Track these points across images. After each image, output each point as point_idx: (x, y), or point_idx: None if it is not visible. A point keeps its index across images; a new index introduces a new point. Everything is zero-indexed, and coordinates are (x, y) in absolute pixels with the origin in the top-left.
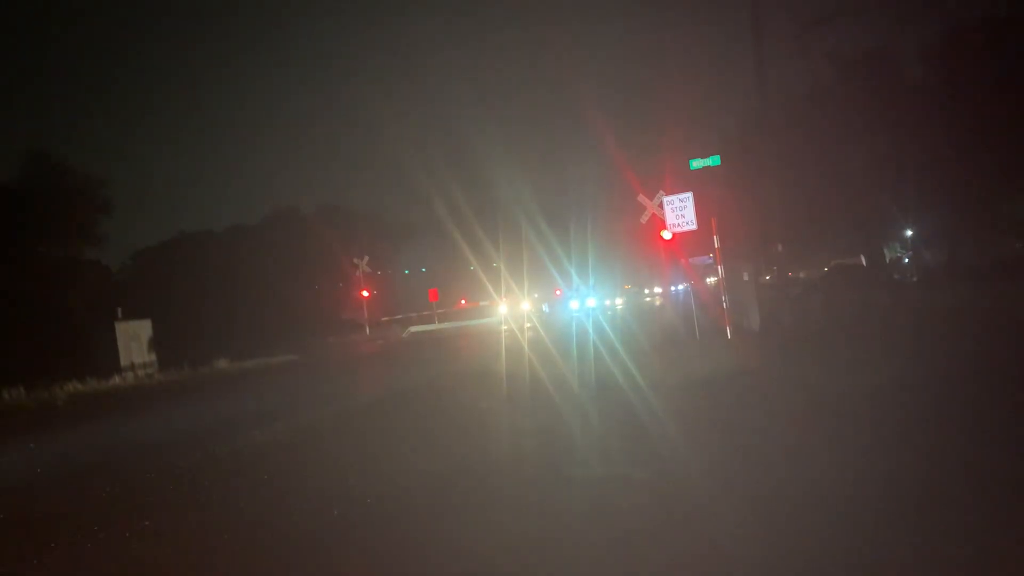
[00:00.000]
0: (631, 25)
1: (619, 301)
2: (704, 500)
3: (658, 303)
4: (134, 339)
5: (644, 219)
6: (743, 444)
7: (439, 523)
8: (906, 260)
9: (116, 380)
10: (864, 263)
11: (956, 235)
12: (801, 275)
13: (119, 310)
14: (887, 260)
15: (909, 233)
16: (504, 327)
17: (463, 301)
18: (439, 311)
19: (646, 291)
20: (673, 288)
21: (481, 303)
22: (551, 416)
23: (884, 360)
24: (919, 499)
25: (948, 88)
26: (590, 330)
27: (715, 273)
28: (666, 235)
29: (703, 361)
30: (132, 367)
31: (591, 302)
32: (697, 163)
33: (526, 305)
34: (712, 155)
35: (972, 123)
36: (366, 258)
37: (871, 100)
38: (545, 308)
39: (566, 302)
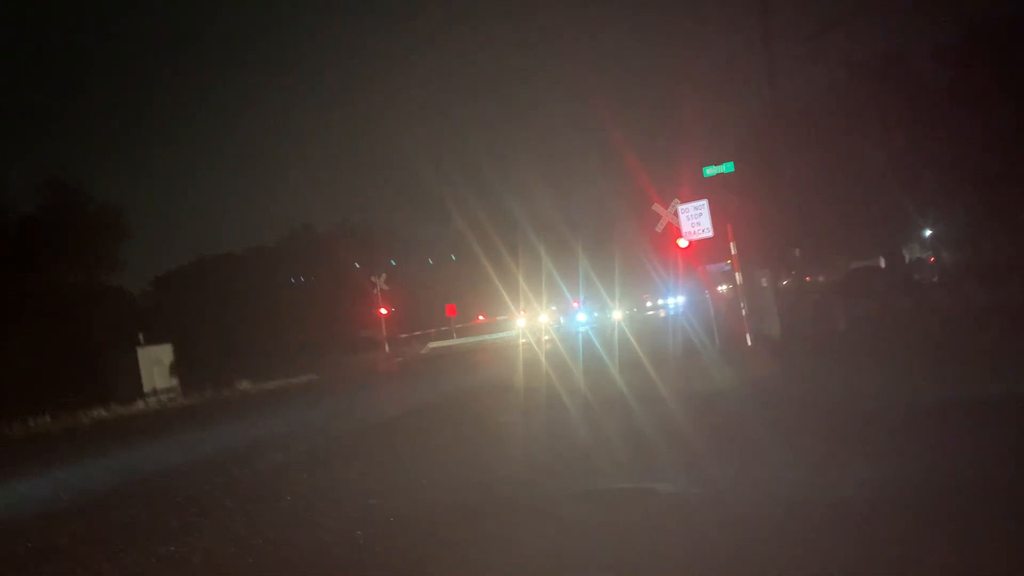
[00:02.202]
0: (642, 34)
1: (637, 310)
2: (727, 514)
3: (664, 313)
4: (156, 364)
5: (660, 228)
6: (765, 457)
7: (460, 540)
8: (926, 261)
9: (140, 405)
10: (883, 265)
11: (976, 235)
12: (820, 279)
13: (141, 335)
14: (907, 261)
15: (928, 234)
16: (522, 340)
17: (481, 316)
18: (457, 326)
19: (659, 301)
20: (683, 299)
21: (499, 318)
22: (570, 428)
23: (908, 368)
24: (946, 513)
25: (966, 87)
26: (609, 340)
27: (732, 280)
28: (682, 243)
29: (723, 371)
30: (155, 392)
31: (617, 315)
32: (711, 170)
33: (544, 318)
34: (726, 162)
35: (991, 122)
36: (383, 275)
37: (887, 101)
38: (563, 320)
39: (579, 314)
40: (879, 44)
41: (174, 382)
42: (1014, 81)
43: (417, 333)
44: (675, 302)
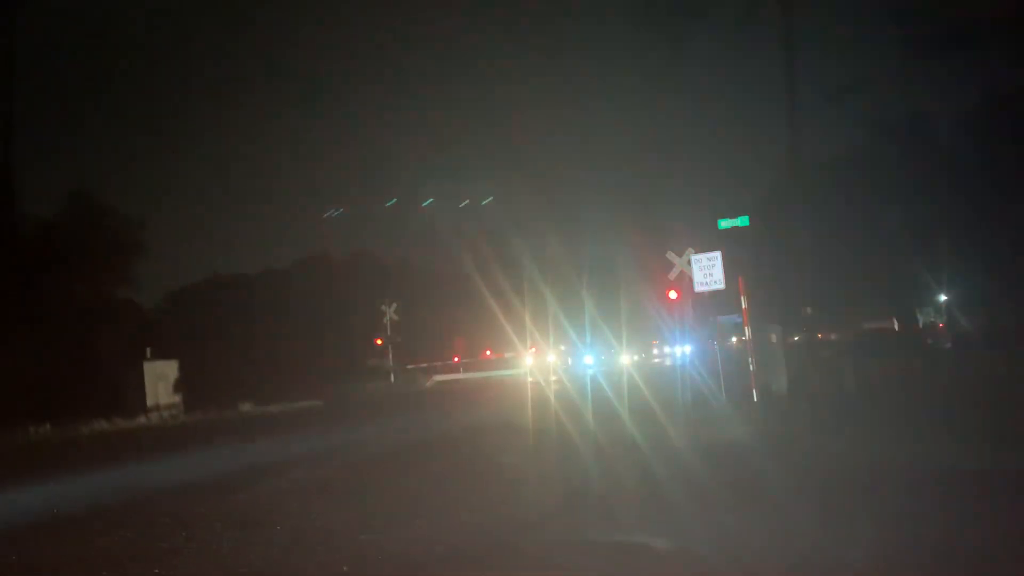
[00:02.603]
0: (663, 83)
1: (645, 356)
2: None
3: (669, 361)
4: (161, 379)
5: (672, 275)
6: (766, 516)
7: None
8: (940, 326)
9: (142, 420)
10: (896, 327)
11: (992, 301)
12: (832, 337)
13: (148, 350)
14: (920, 325)
15: (943, 298)
16: (530, 379)
17: (488, 352)
18: (464, 361)
19: (666, 349)
20: (691, 348)
21: (506, 354)
22: (575, 473)
23: (914, 434)
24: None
25: (986, 154)
26: (617, 384)
27: (741, 333)
28: (672, 295)
29: (728, 424)
30: (158, 407)
31: (625, 359)
32: (726, 223)
33: (552, 357)
34: (741, 215)
35: (1009, 190)
36: (394, 305)
37: (907, 164)
38: (570, 361)
39: (587, 356)
40: (901, 107)
41: (177, 399)
42: None
43: (424, 365)
44: (682, 351)
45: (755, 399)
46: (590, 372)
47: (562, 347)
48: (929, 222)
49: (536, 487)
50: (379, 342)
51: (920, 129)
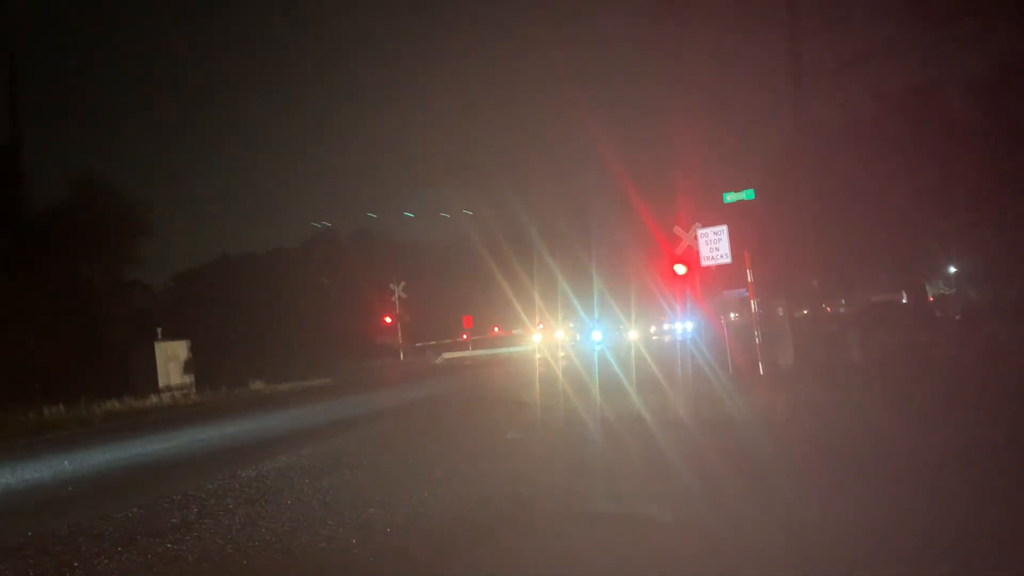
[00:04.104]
0: (669, 57)
1: (653, 331)
2: (716, 545)
3: (671, 337)
4: (172, 359)
5: (679, 251)
6: (767, 489)
7: (452, 556)
8: (949, 297)
9: (153, 400)
10: (905, 300)
11: (1002, 273)
12: (840, 310)
13: (159, 330)
14: (929, 297)
15: (953, 270)
16: (538, 355)
17: (496, 329)
18: (473, 338)
19: (672, 325)
20: (693, 324)
21: (515, 331)
22: (582, 447)
23: (920, 408)
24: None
25: (996, 123)
26: (625, 360)
27: (748, 307)
28: (679, 269)
29: (734, 398)
30: (169, 387)
31: (632, 335)
32: (731, 196)
33: (560, 334)
34: (747, 189)
35: (1018, 159)
36: (402, 283)
37: (914, 134)
38: (578, 338)
39: (595, 332)
40: (908, 76)
41: (189, 378)
42: None
43: (432, 343)
44: (684, 327)
45: (761, 372)
46: (598, 348)
47: (570, 323)
48: (938, 194)
49: (542, 460)
50: (388, 320)
51: (929, 98)
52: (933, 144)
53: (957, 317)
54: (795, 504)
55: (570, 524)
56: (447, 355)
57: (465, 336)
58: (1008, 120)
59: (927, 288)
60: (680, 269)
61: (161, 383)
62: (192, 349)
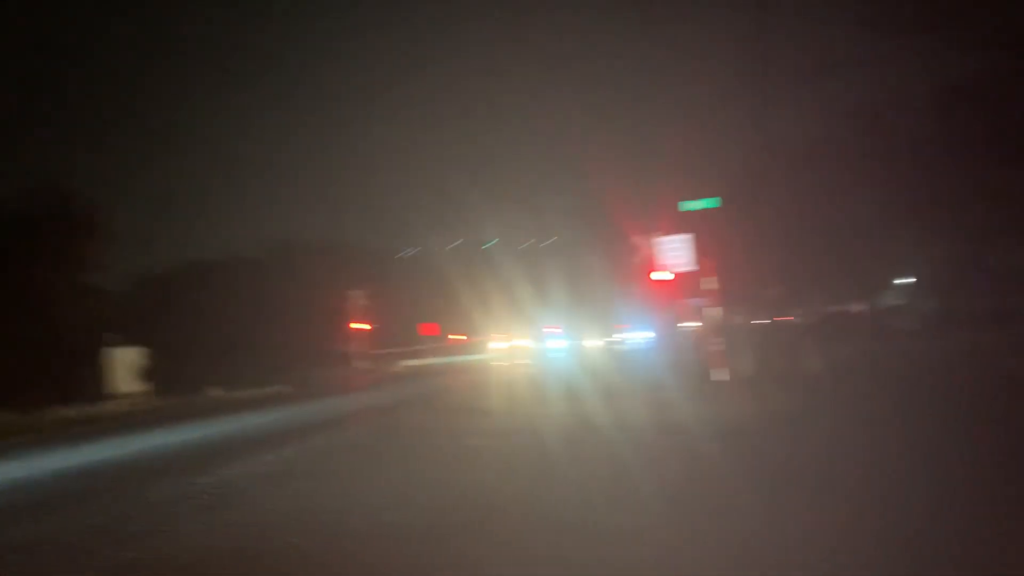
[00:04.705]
0: (633, 63)
1: (613, 339)
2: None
3: (635, 345)
4: (128, 365)
5: (643, 258)
6: (730, 495)
7: (403, 563)
8: (904, 308)
9: (108, 406)
10: (859, 310)
11: (953, 285)
12: (797, 319)
13: (115, 336)
14: (883, 308)
15: (905, 281)
16: (498, 363)
17: (456, 336)
18: (431, 345)
19: (633, 333)
20: (656, 332)
21: (475, 339)
22: (540, 455)
23: (876, 418)
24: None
25: (950, 139)
26: (585, 368)
27: (710, 314)
28: (658, 277)
29: (695, 404)
30: (125, 393)
31: (593, 343)
32: (692, 205)
33: (520, 341)
34: (710, 197)
35: (973, 174)
36: (362, 290)
37: (867, 149)
38: (539, 345)
39: (555, 340)
40: (869, 91)
41: (144, 384)
42: (997, 135)
43: (392, 350)
44: (646, 335)
45: (723, 380)
46: (558, 356)
47: (531, 331)
48: (892, 207)
49: (505, 468)
50: (351, 327)
51: (886, 113)
52: (888, 158)
53: (908, 327)
54: (754, 513)
55: (533, 533)
56: (407, 362)
57: (425, 344)
58: (959, 136)
59: (881, 299)
60: (656, 276)
61: (116, 389)
62: (150, 355)
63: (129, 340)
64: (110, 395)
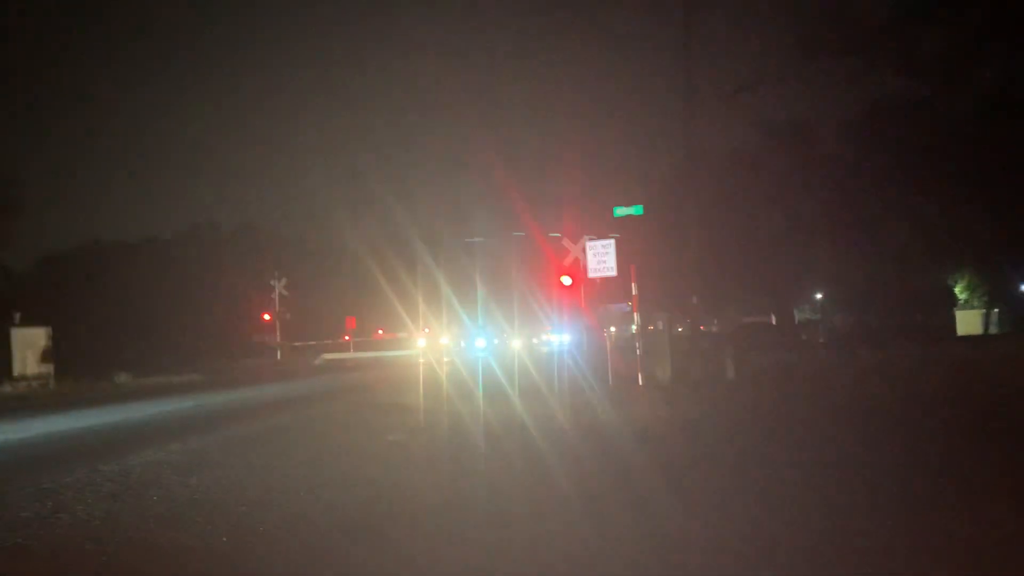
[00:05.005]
0: (564, 69)
1: (537, 341)
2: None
3: (555, 347)
4: (31, 346)
5: (568, 262)
6: (645, 495)
7: (325, 555)
8: (815, 322)
9: (7, 389)
10: (774, 322)
11: (863, 302)
12: (713, 329)
13: (17, 315)
14: (796, 321)
15: (819, 296)
16: (422, 360)
17: (380, 331)
18: (356, 340)
19: (555, 336)
20: (575, 335)
21: (399, 335)
22: (465, 453)
23: (783, 423)
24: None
25: (865, 162)
26: (508, 368)
27: (630, 320)
28: (566, 281)
29: (612, 408)
30: (25, 376)
31: (516, 344)
32: (621, 211)
33: (444, 339)
34: (636, 204)
35: (885, 197)
36: (284, 280)
37: (791, 166)
38: (463, 344)
39: (479, 339)
40: (790, 110)
41: (48, 368)
42: (910, 160)
43: (313, 343)
44: (565, 338)
45: (640, 384)
46: (481, 355)
47: (455, 329)
48: (809, 223)
49: (425, 465)
50: (267, 317)
51: (804, 132)
52: (806, 175)
53: (821, 340)
54: (668, 513)
55: (450, 523)
56: (328, 356)
57: (347, 337)
58: (877, 158)
59: (795, 312)
60: (566, 280)
61: (16, 371)
62: (54, 337)
63: (30, 320)
64: (11, 378)
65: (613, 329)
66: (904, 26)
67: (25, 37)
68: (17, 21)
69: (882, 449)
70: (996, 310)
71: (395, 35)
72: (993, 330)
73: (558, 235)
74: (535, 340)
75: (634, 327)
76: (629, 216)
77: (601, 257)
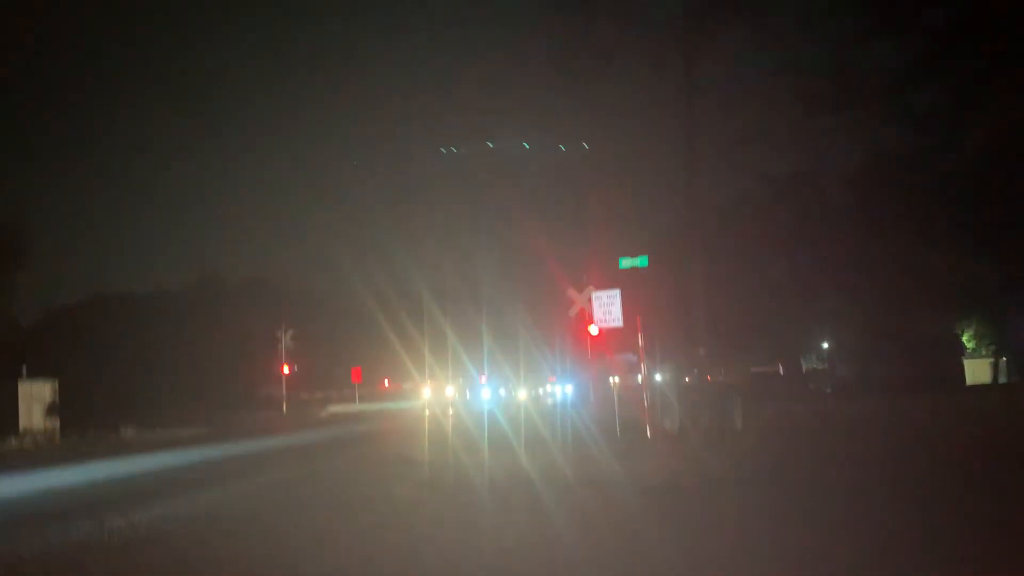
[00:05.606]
0: (566, 121)
1: (543, 391)
2: None
3: (559, 398)
4: (37, 400)
5: (572, 313)
6: (656, 556)
7: None
8: (822, 372)
9: (12, 443)
10: (782, 372)
11: (870, 351)
12: (720, 379)
13: (24, 368)
14: (803, 370)
15: (825, 346)
16: (427, 411)
17: (386, 382)
18: (361, 391)
19: (560, 386)
20: (584, 384)
21: (404, 385)
22: (467, 510)
23: (794, 478)
24: None
25: (868, 213)
26: (515, 419)
27: (636, 370)
28: (593, 330)
29: (622, 461)
30: (32, 430)
31: (522, 395)
32: (626, 262)
33: (450, 390)
34: (640, 255)
35: (888, 247)
36: (290, 332)
37: (795, 217)
38: (468, 395)
39: (484, 390)
40: (792, 162)
41: (54, 421)
42: (912, 211)
43: (319, 395)
44: (575, 389)
45: (648, 436)
46: (487, 407)
47: (460, 380)
48: (813, 273)
49: (432, 519)
50: (286, 370)
51: (807, 183)
52: (810, 226)
53: (828, 390)
54: (677, 568)
55: None
56: (333, 408)
57: (353, 389)
58: (881, 208)
59: (802, 362)
60: (586, 331)
61: (23, 425)
62: (60, 390)
63: (37, 373)
64: (18, 431)
65: (617, 379)
66: (903, 80)
67: (32, 89)
68: (26, 75)
69: (903, 512)
70: (1004, 359)
71: (407, 97)
72: (1002, 379)
73: (586, 286)
74: (541, 391)
75: (640, 378)
76: (634, 267)
77: (607, 308)
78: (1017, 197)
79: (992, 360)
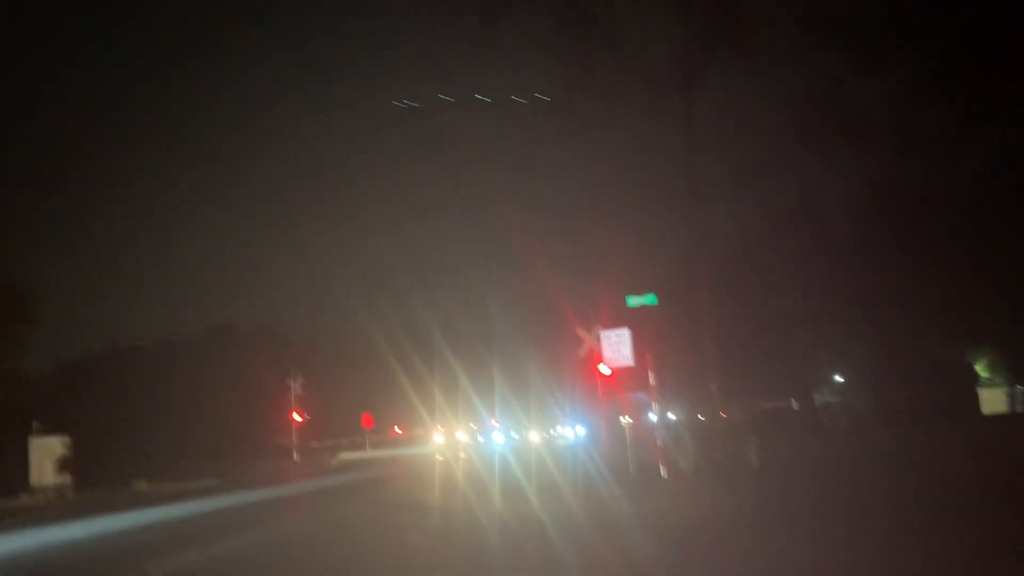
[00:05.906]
0: (574, 161)
1: (555, 433)
2: None
3: (570, 440)
4: (48, 456)
5: (582, 352)
6: None
7: None
8: (836, 406)
9: (24, 499)
10: (795, 407)
11: (883, 383)
12: (733, 415)
13: (34, 424)
14: (817, 404)
15: (839, 379)
16: (439, 457)
17: (397, 429)
18: (372, 438)
19: (571, 428)
20: (595, 425)
21: (415, 431)
22: (481, 555)
23: (809, 518)
24: None
25: (874, 243)
26: (527, 463)
27: (649, 410)
28: (605, 370)
29: (634, 504)
30: (43, 486)
31: (535, 438)
32: (634, 300)
33: (461, 436)
34: (649, 293)
35: (896, 278)
36: (300, 380)
37: (798, 248)
38: (480, 440)
39: (496, 434)
40: (795, 193)
41: (66, 477)
42: (917, 240)
43: (329, 443)
44: (587, 430)
45: (663, 476)
46: (499, 451)
47: (472, 425)
48: (822, 304)
49: (445, 567)
50: (298, 418)
51: (811, 213)
52: (817, 259)
53: (843, 424)
54: None
55: None
56: (345, 455)
57: (366, 435)
58: (887, 237)
59: (815, 396)
60: (596, 371)
61: (34, 481)
62: (72, 445)
63: (49, 429)
64: (30, 487)
65: (629, 419)
66: (901, 108)
67: (44, 145)
68: (39, 130)
69: (927, 554)
70: (1020, 387)
71: (415, 141)
72: (1019, 408)
73: (594, 325)
74: (553, 432)
75: (653, 416)
76: (644, 305)
77: (616, 347)
78: (1017, 221)
79: (1008, 390)
